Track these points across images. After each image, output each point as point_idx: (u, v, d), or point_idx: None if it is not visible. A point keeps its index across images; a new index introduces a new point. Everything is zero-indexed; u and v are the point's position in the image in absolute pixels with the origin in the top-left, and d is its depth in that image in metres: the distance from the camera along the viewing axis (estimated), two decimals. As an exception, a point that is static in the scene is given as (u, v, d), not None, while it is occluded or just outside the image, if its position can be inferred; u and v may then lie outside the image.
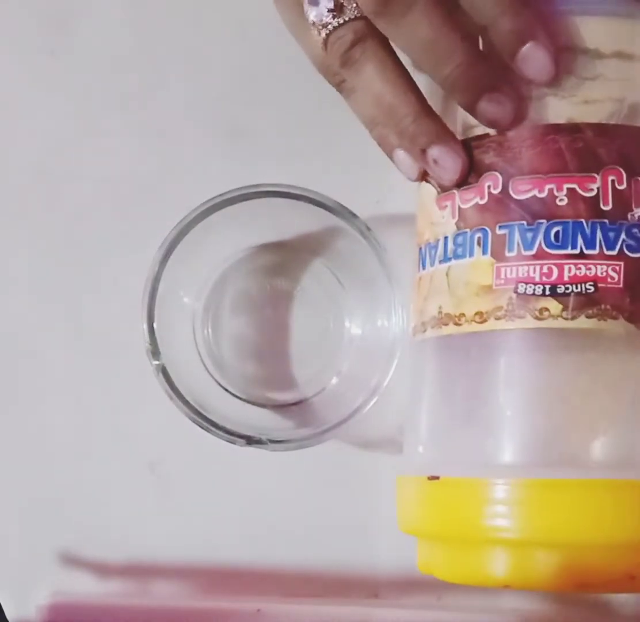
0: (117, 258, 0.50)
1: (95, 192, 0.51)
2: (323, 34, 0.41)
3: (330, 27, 0.40)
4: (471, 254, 0.39)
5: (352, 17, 0.40)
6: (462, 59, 0.37)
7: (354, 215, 0.44)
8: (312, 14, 0.41)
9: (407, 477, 0.41)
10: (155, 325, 0.44)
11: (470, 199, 0.39)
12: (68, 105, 0.51)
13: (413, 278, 0.43)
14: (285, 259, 0.50)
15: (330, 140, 0.50)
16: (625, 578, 0.36)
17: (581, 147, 0.37)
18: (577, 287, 0.36)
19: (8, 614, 0.49)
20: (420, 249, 0.42)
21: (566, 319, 0.36)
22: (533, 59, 0.37)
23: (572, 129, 0.37)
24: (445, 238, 0.40)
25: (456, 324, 0.39)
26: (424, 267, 0.41)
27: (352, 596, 0.49)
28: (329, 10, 0.40)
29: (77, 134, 0.51)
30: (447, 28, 0.37)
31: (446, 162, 0.39)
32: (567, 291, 0.36)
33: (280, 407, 0.49)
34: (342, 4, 0.40)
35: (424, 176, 0.41)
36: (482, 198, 0.38)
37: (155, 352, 0.44)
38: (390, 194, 0.49)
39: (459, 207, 0.39)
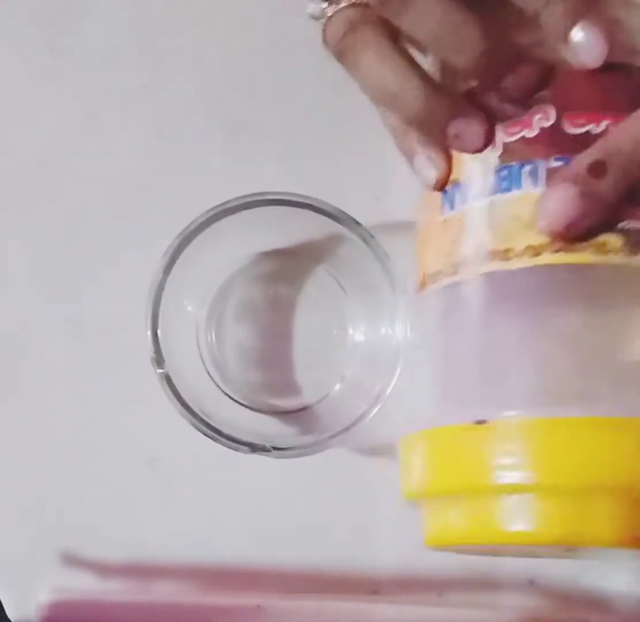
0: (118, 257, 0.50)
1: (95, 192, 0.51)
2: (323, 27, 0.39)
3: (325, 19, 0.39)
4: (519, 187, 0.37)
5: (346, 4, 0.38)
6: (480, 48, 0.35)
7: (357, 222, 0.44)
8: (310, 8, 0.39)
9: (412, 434, 0.40)
10: (159, 333, 0.44)
11: (516, 132, 0.38)
12: (68, 104, 0.51)
13: (428, 224, 0.41)
14: (288, 266, 0.50)
15: (330, 138, 0.50)
16: None
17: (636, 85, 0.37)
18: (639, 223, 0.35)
19: (8, 612, 0.49)
20: (446, 191, 0.40)
21: (627, 254, 0.35)
22: (583, 41, 0.35)
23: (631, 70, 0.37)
24: (485, 173, 0.39)
25: (504, 259, 0.37)
26: (452, 208, 0.40)
27: (353, 593, 0.48)
28: (325, 0, 0.39)
29: (77, 133, 0.51)
30: (457, 18, 0.35)
31: (467, 133, 0.38)
32: (628, 227, 0.35)
33: (283, 414, 0.49)
34: None
35: (442, 186, 0.40)
36: (531, 130, 0.37)
37: (159, 361, 0.44)
38: (389, 191, 0.50)
39: (503, 141, 0.38)
